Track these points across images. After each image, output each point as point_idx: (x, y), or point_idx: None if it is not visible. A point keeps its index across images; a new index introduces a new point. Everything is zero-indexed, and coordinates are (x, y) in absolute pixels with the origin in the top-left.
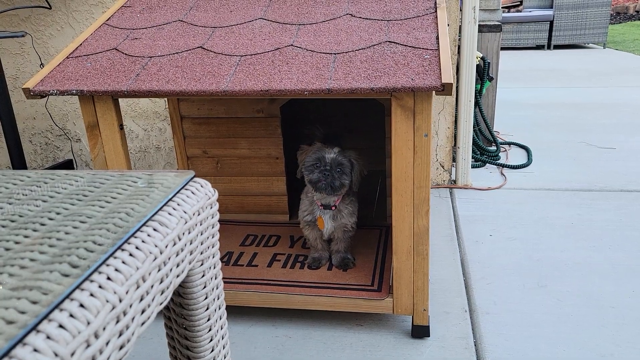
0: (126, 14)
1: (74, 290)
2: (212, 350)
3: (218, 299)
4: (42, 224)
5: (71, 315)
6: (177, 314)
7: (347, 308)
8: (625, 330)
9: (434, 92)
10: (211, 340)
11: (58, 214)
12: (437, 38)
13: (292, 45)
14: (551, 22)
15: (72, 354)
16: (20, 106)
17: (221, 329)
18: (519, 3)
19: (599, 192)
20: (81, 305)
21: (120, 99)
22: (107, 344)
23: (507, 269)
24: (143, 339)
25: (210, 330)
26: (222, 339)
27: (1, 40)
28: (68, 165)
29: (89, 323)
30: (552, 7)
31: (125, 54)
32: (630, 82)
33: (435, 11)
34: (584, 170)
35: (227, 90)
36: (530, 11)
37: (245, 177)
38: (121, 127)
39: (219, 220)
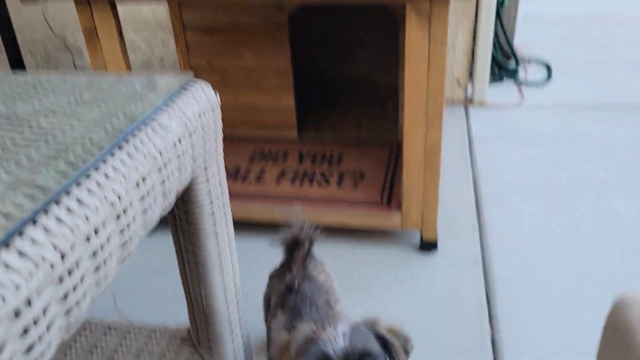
0: None
1: (70, 185)
2: (219, 257)
3: (223, 206)
4: (38, 124)
5: (69, 210)
6: (183, 220)
7: (356, 224)
8: (637, 249)
9: None
10: (217, 246)
11: (54, 114)
12: None
13: None
14: None
15: (72, 248)
16: (17, 15)
17: (227, 237)
18: None
19: (620, 109)
20: (79, 201)
21: (119, 6)
22: (108, 240)
23: (520, 187)
24: (151, 252)
25: (216, 236)
26: (229, 247)
27: None
28: None
29: (87, 219)
30: None
31: None
32: None
33: None
34: (606, 87)
35: None
36: None
37: (252, 90)
38: (120, 34)
39: (226, 136)
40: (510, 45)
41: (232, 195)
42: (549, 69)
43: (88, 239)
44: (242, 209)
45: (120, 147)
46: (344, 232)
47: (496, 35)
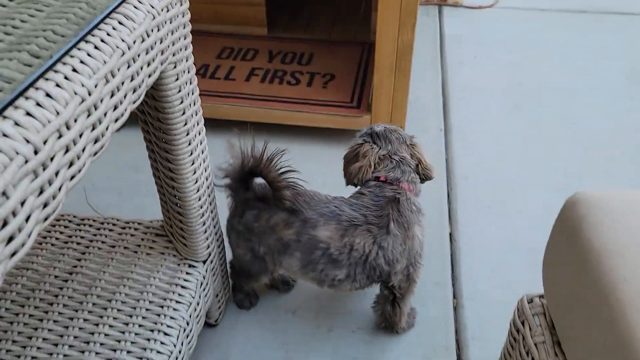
0: None
1: (37, 79)
2: (191, 154)
3: (194, 104)
4: None
5: (38, 104)
6: (153, 117)
7: (325, 124)
8: (594, 150)
9: None
10: (189, 144)
11: (10, 0)
12: None
13: None
14: None
15: (45, 142)
16: None
17: (199, 134)
18: None
19: (594, 13)
20: (48, 95)
21: None
22: (80, 136)
23: (487, 91)
24: (124, 147)
25: (188, 134)
26: (201, 144)
27: None
28: None
29: (58, 113)
30: None
31: None
32: None
33: None
34: None
35: None
36: None
37: None
38: None
39: (193, 31)
40: None
41: (201, 93)
42: None
43: (60, 135)
44: (211, 107)
45: (86, 40)
46: (314, 131)
47: None
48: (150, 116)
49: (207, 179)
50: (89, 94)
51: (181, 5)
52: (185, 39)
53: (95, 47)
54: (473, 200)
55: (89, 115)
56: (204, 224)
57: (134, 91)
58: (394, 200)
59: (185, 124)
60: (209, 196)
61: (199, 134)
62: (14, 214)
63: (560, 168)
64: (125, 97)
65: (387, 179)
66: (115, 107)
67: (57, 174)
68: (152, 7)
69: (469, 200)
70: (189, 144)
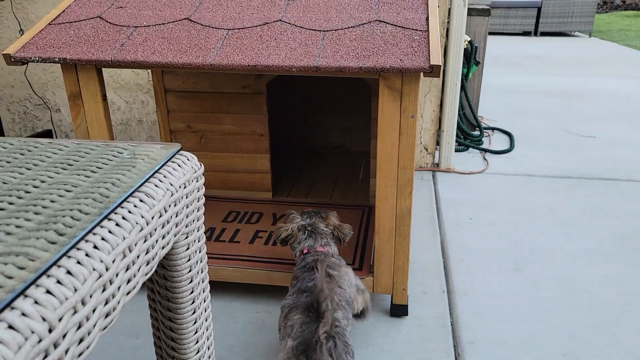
0: None
1: (61, 257)
2: (195, 323)
3: (202, 272)
4: (27, 192)
5: (58, 282)
6: (161, 285)
7: None
8: (596, 314)
9: (421, 73)
10: (194, 312)
11: (43, 182)
12: (427, 19)
13: (281, 20)
14: (539, 9)
15: (60, 319)
16: None
17: (204, 302)
18: None
19: (577, 179)
20: (68, 272)
21: (103, 70)
22: (93, 311)
23: (486, 252)
24: (123, 311)
25: (193, 302)
26: (205, 312)
27: None
28: (47, 135)
29: (76, 290)
30: None
31: (110, 22)
32: (613, 71)
33: None
34: (564, 158)
35: (214, 64)
36: None
37: (229, 154)
38: (104, 97)
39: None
40: (475, 116)
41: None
42: (511, 138)
43: (75, 311)
44: (214, 270)
45: (109, 218)
46: None
47: (461, 106)
48: (158, 284)
49: (209, 348)
50: (106, 270)
51: (197, 181)
52: (198, 210)
53: (117, 224)
54: None
55: (103, 290)
56: None
57: (148, 263)
58: (316, 261)
59: (192, 291)
60: None
61: (204, 301)
62: None
63: (566, 331)
64: (139, 270)
65: (304, 249)
66: (129, 280)
67: (67, 351)
68: (172, 184)
69: None
70: (194, 311)
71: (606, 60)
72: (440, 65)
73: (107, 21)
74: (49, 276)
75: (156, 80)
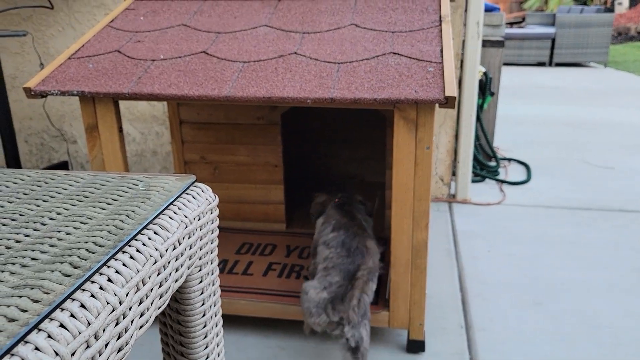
0: (130, 17)
1: (75, 290)
2: (207, 358)
3: (215, 305)
4: (43, 224)
5: (72, 315)
6: (173, 319)
7: None
8: (621, 350)
9: (436, 105)
10: (206, 347)
11: (59, 214)
12: (441, 51)
13: (295, 53)
14: (553, 40)
15: (73, 354)
16: (18, 106)
17: (217, 336)
18: (521, 20)
19: (597, 211)
20: (82, 306)
21: (119, 102)
22: (106, 345)
23: (504, 286)
24: (135, 345)
25: (205, 337)
26: (217, 346)
27: (1, 38)
28: (63, 166)
29: (89, 324)
30: (554, 25)
31: (128, 56)
32: (630, 102)
33: (440, 25)
34: (582, 189)
35: (229, 96)
36: (532, 28)
37: (243, 185)
38: (120, 129)
39: None
40: (490, 146)
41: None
42: (528, 169)
43: (88, 345)
44: (228, 303)
45: (123, 251)
46: None
47: (477, 136)
48: (170, 318)
49: None
50: (120, 303)
51: (211, 213)
52: (212, 243)
53: (131, 257)
54: None
55: (117, 324)
56: None
57: (161, 297)
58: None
59: (204, 325)
60: None
61: (217, 335)
62: None
63: None
64: (152, 303)
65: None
66: (142, 314)
67: None
68: (186, 216)
69: None
70: (206, 346)
71: (622, 91)
72: (455, 97)
73: (125, 55)
74: (62, 309)
75: (172, 112)
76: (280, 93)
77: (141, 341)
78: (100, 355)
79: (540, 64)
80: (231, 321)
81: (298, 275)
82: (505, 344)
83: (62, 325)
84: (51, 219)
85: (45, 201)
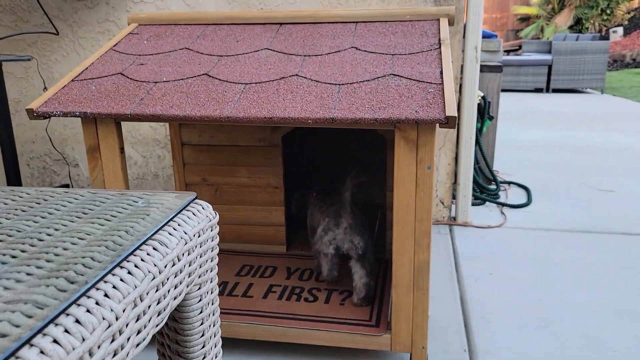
0: (133, 41)
1: (70, 305)
2: None
3: (214, 325)
4: (40, 240)
5: (66, 331)
6: (171, 339)
7: (343, 343)
8: None
9: (437, 125)
10: None
11: (56, 230)
12: (441, 73)
13: (297, 75)
14: (550, 67)
15: None
16: (20, 129)
17: (216, 357)
18: (518, 48)
19: (599, 233)
20: (77, 321)
21: (122, 124)
22: None
23: (507, 309)
24: None
25: (204, 358)
26: None
27: (6, 63)
28: None
29: (83, 339)
30: (550, 52)
31: (131, 78)
32: (628, 127)
33: (440, 47)
34: (583, 212)
35: (231, 117)
36: (529, 55)
37: (244, 206)
38: (122, 150)
39: None
40: (490, 169)
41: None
42: (528, 192)
43: None
44: (226, 325)
45: (121, 266)
46: (331, 350)
47: (476, 159)
48: (168, 338)
49: None
50: (116, 319)
51: (212, 230)
52: (212, 260)
53: (129, 272)
54: None
55: (112, 341)
56: None
57: (159, 314)
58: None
59: (203, 346)
60: None
61: (216, 356)
62: None
63: None
64: (149, 320)
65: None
66: (139, 332)
67: None
68: (186, 233)
69: None
70: None
71: (619, 116)
72: (455, 117)
73: (128, 77)
74: (56, 325)
75: (173, 134)
76: (281, 114)
77: None
78: None
79: (538, 90)
80: (231, 344)
81: (298, 298)
82: None
83: (55, 341)
84: (49, 235)
85: (43, 217)
